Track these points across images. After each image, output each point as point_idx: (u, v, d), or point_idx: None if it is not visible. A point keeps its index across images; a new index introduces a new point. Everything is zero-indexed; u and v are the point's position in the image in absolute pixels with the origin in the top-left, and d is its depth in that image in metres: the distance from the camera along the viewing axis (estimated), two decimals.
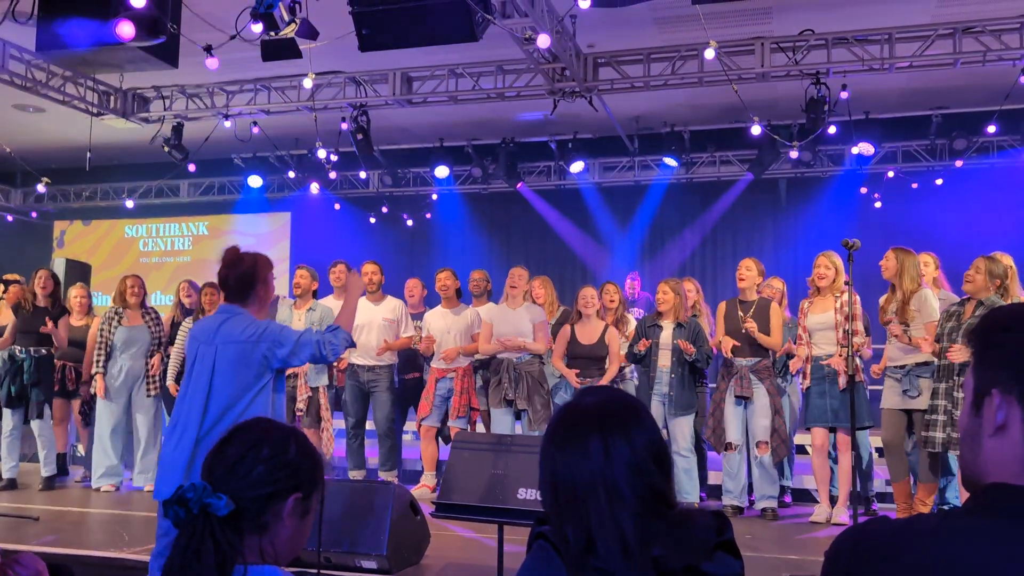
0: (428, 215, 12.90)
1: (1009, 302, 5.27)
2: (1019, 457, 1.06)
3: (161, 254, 13.93)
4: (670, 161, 10.64)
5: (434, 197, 12.65)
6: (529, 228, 12.45)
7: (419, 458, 7.09)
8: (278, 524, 1.56)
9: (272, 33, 6.15)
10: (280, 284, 9.46)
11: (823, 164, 11.03)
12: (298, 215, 13.28)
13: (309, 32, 6.36)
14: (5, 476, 6.74)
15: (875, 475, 6.45)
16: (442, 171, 11.29)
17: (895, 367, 5.56)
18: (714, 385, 6.42)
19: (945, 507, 5.70)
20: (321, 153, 10.37)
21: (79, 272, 10.35)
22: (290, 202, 13.09)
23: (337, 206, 12.88)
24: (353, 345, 3.63)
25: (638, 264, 11.49)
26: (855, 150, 10.01)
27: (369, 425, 7.02)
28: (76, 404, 7.31)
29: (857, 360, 5.61)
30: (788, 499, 6.54)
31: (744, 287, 6.13)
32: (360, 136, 9.56)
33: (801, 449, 7.15)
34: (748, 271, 6.15)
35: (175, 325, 7.03)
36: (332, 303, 7.07)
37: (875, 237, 8.49)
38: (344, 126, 9.63)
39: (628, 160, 11.58)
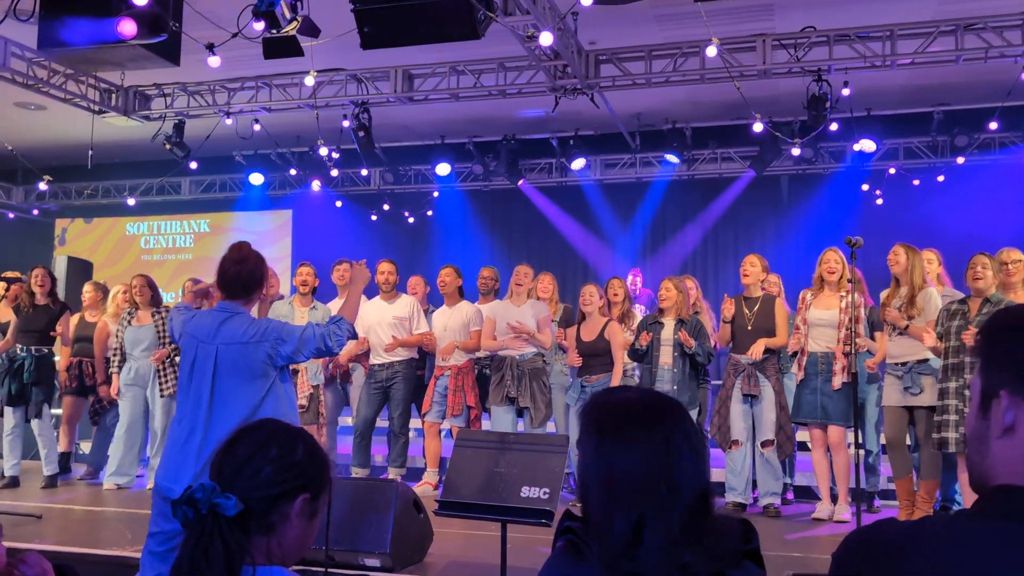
0: (429, 212, 12.90)
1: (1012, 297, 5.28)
2: None
3: (163, 251, 13.93)
4: (671, 158, 10.64)
5: (435, 194, 12.65)
6: (530, 225, 12.45)
7: (421, 455, 7.09)
8: (285, 525, 1.56)
9: (274, 31, 6.15)
10: (282, 282, 9.45)
11: (825, 161, 11.02)
12: (299, 213, 13.28)
13: (310, 30, 6.35)
14: (7, 474, 6.75)
15: (881, 472, 6.43)
16: (443, 168, 11.29)
17: (896, 364, 5.54)
18: (718, 382, 6.42)
19: (949, 504, 5.70)
20: (323, 151, 10.37)
21: (80, 270, 10.36)
22: (291, 200, 13.09)
23: (339, 203, 12.88)
24: (355, 336, 3.63)
25: (639, 261, 11.49)
26: (857, 147, 10.01)
27: (379, 423, 7.00)
28: (83, 404, 7.32)
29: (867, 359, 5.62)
30: (790, 496, 6.54)
31: (748, 283, 6.13)
32: (361, 133, 9.56)
33: (803, 446, 7.15)
34: (752, 267, 6.15)
35: None
36: (337, 305, 7.07)
37: (877, 234, 8.48)
38: (345, 123, 9.62)
39: (629, 157, 11.58)
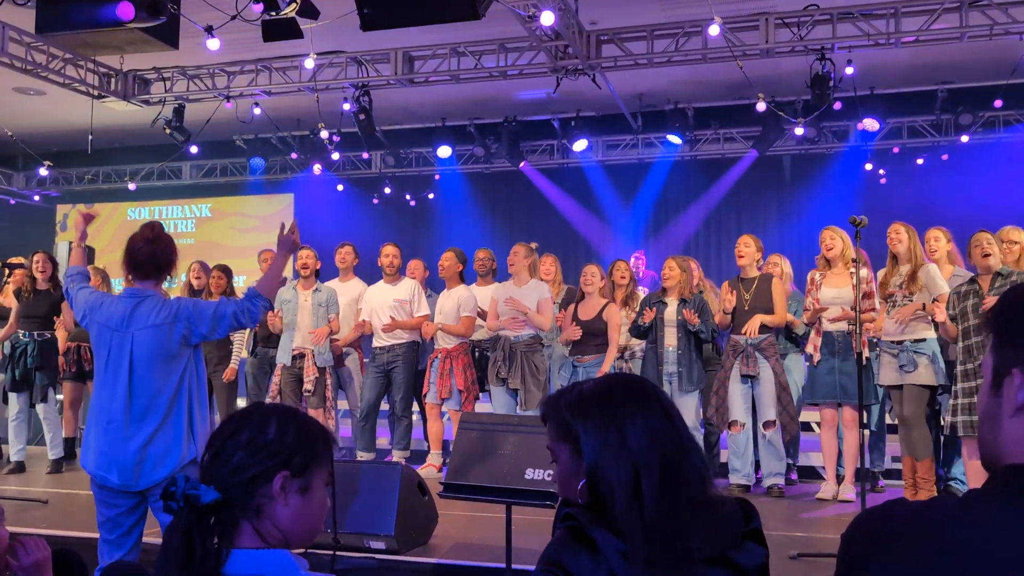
0: (431, 195, 12.87)
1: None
2: None
3: None
4: (674, 139, 10.60)
5: (437, 177, 12.61)
6: (532, 207, 12.41)
7: (423, 438, 7.10)
8: (272, 505, 1.54)
9: (273, 13, 6.10)
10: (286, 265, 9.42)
11: (828, 140, 10.97)
12: (301, 196, 13.25)
13: (310, 11, 6.30)
14: (13, 459, 6.77)
15: (885, 452, 6.43)
16: (444, 151, 11.25)
17: (892, 342, 5.52)
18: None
19: (951, 483, 5.70)
20: (323, 134, 10.33)
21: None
22: (293, 184, 13.06)
23: (340, 187, 12.85)
24: (272, 308, 3.58)
25: (642, 242, 11.47)
26: (860, 126, 9.96)
27: (381, 405, 7.02)
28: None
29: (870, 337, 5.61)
30: (794, 476, 6.55)
31: (744, 264, 6.10)
32: (362, 116, 9.52)
33: (806, 426, 7.15)
34: (747, 247, 6.12)
35: None
36: (337, 285, 7.07)
37: (880, 213, 8.41)
38: (346, 106, 9.58)
39: (631, 138, 11.53)
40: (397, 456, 6.75)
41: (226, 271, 7.32)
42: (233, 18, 6.35)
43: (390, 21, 6.68)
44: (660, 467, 1.42)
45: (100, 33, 7.38)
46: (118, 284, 12.36)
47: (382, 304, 6.79)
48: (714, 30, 7.68)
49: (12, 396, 6.78)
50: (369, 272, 7.36)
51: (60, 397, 7.41)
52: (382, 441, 7.18)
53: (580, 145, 10.84)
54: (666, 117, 10.56)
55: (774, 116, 9.54)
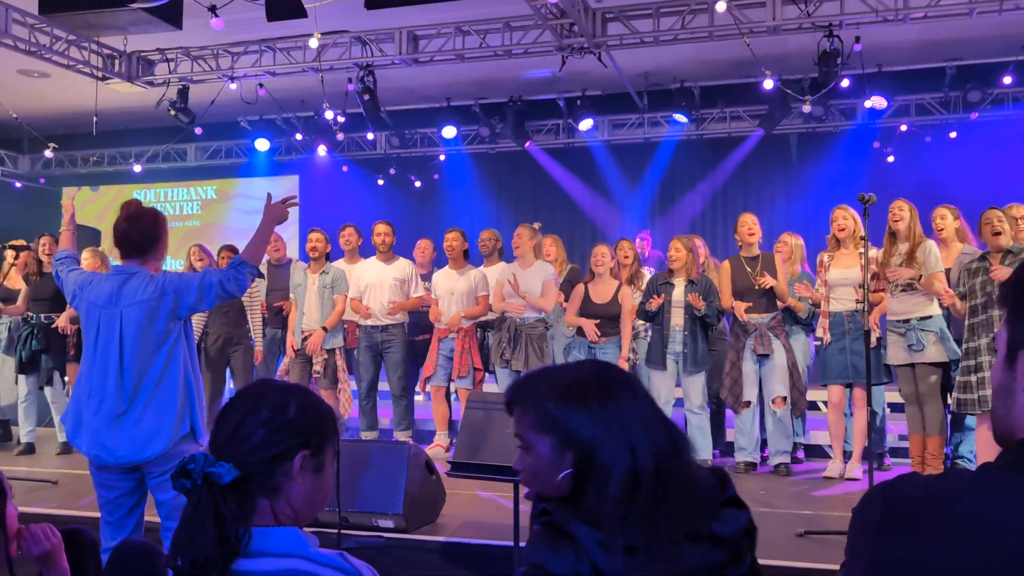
0: (436, 176, 12.84)
1: None
2: None
3: (170, 219, 13.72)
4: (680, 117, 10.53)
5: (442, 158, 12.58)
6: (538, 187, 12.37)
7: (431, 418, 7.12)
8: (290, 484, 1.55)
9: None
10: (290, 247, 9.42)
11: (835, 118, 10.90)
12: (306, 178, 13.22)
13: None
14: (23, 440, 6.81)
15: (888, 430, 6.44)
16: (449, 131, 11.21)
17: (898, 321, 5.51)
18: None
19: (960, 461, 5.70)
20: (328, 115, 10.30)
21: (88, 238, 10.36)
22: (298, 165, 13.03)
23: (345, 168, 12.83)
24: (261, 275, 3.57)
25: (648, 222, 11.43)
26: (868, 104, 9.88)
27: (382, 386, 7.04)
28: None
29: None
30: (801, 455, 6.56)
31: (754, 242, 6.11)
32: (367, 97, 9.48)
33: (813, 405, 7.16)
34: (756, 225, 6.14)
35: None
36: (344, 266, 7.07)
37: (888, 192, 8.38)
38: (350, 87, 9.54)
39: (637, 117, 11.47)
40: (399, 436, 6.78)
41: (234, 251, 7.32)
42: None
43: None
44: (654, 454, 1.41)
45: (103, 13, 7.37)
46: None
47: (380, 283, 6.80)
48: (721, 7, 7.61)
49: (22, 378, 6.82)
50: (373, 252, 7.34)
51: (67, 379, 7.44)
52: (385, 421, 7.20)
53: (586, 124, 10.79)
54: (672, 96, 10.50)
55: (781, 94, 9.47)
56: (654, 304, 6.11)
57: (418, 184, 12.80)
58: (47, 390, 6.88)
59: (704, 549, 1.40)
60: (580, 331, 6.34)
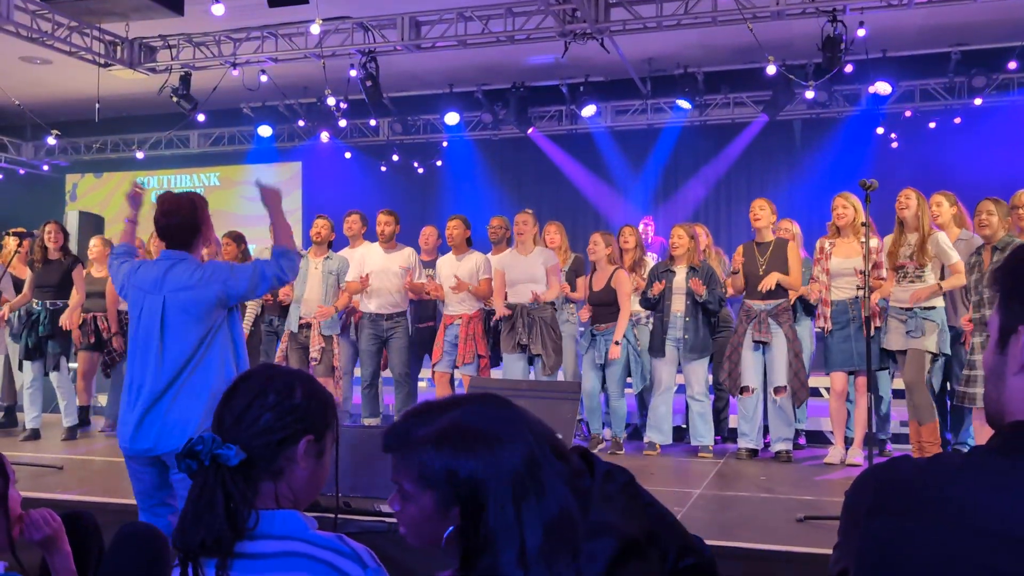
0: (439, 162, 12.82)
1: None
2: None
3: None
4: (683, 103, 10.51)
5: (444, 144, 12.56)
6: (541, 174, 12.36)
7: None
8: (293, 468, 1.58)
9: None
10: (294, 233, 9.43)
11: (839, 104, 10.86)
12: (309, 164, 13.23)
13: None
14: (28, 426, 6.84)
15: (892, 417, 6.45)
16: (452, 118, 11.19)
17: (901, 308, 5.50)
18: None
19: (960, 447, 5.71)
20: (330, 101, 10.28)
21: (92, 225, 10.39)
22: (301, 151, 13.03)
23: (348, 155, 12.82)
24: (301, 256, 3.55)
25: (651, 208, 11.42)
26: (872, 89, 9.85)
27: (385, 373, 7.06)
28: (99, 356, 7.38)
29: (879, 303, 5.59)
30: (802, 441, 6.57)
31: (760, 227, 6.07)
32: (369, 83, 9.46)
33: (815, 392, 7.17)
34: (762, 211, 6.09)
35: None
36: (348, 253, 7.07)
37: (892, 178, 8.38)
38: (352, 73, 9.52)
39: (640, 103, 11.44)
40: None
41: (236, 237, 7.32)
42: None
43: None
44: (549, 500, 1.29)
45: (105, 0, 7.35)
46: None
47: (385, 270, 6.81)
48: None
49: (27, 364, 6.85)
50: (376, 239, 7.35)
51: (73, 366, 7.47)
52: (391, 407, 7.23)
53: (589, 111, 10.77)
54: (675, 82, 10.47)
55: (784, 80, 9.44)
56: (656, 290, 6.11)
57: (421, 170, 12.79)
58: (52, 376, 6.91)
59: None
60: (590, 320, 6.41)
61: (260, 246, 8.73)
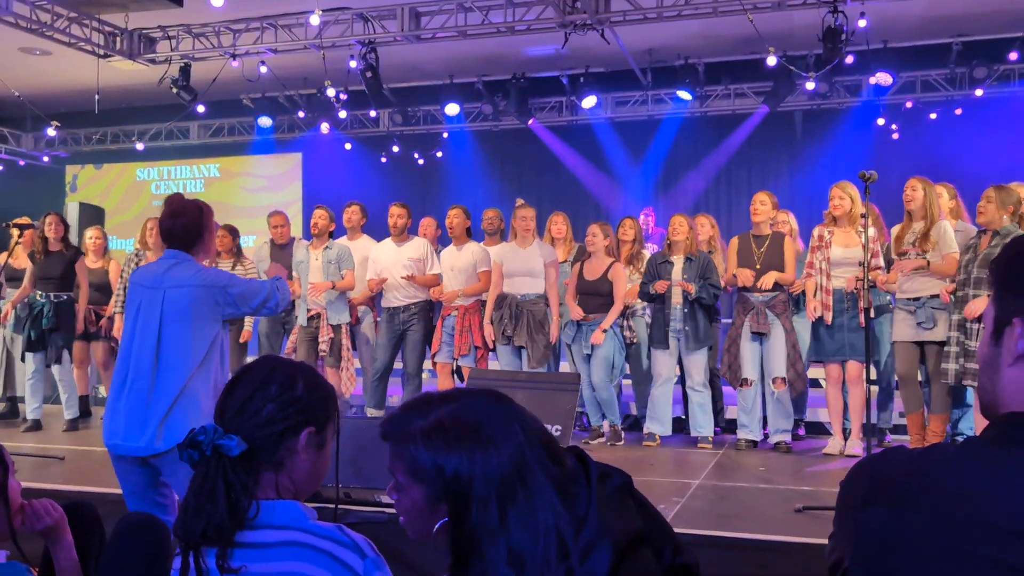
0: (439, 153, 12.81)
1: None
2: None
3: None
4: (684, 94, 10.49)
5: (445, 135, 12.55)
6: (541, 165, 12.34)
7: None
8: (294, 459, 1.59)
9: None
10: (294, 225, 9.43)
11: (840, 95, 10.84)
12: (309, 155, 13.21)
13: None
14: (29, 417, 6.86)
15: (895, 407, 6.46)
16: (452, 109, 11.18)
17: (907, 299, 5.51)
18: (729, 320, 6.42)
19: (959, 438, 5.73)
20: (330, 92, 10.26)
21: (93, 216, 10.38)
22: (301, 143, 13.02)
23: (348, 146, 12.80)
24: (290, 276, 3.58)
25: (652, 200, 11.41)
26: (873, 80, 9.83)
27: (396, 364, 7.07)
28: (96, 347, 7.40)
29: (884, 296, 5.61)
30: (801, 432, 6.59)
31: (759, 221, 6.08)
32: (369, 74, 9.45)
33: (814, 383, 7.18)
34: (763, 205, 6.10)
35: None
36: (347, 243, 7.08)
37: (893, 169, 8.38)
38: (352, 64, 9.50)
39: (641, 94, 11.41)
40: None
41: (232, 231, 7.32)
42: None
43: None
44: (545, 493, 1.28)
45: None
46: (127, 244, 12.39)
47: (395, 263, 6.81)
48: None
49: (29, 356, 6.87)
50: (379, 231, 7.36)
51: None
52: (394, 400, 7.24)
53: (589, 102, 10.75)
54: (676, 73, 10.45)
55: (785, 71, 9.42)
56: (661, 288, 6.10)
57: (421, 162, 12.78)
58: (55, 369, 6.93)
59: None
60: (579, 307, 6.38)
61: (259, 239, 8.75)
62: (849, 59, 9.04)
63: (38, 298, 6.85)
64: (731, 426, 6.54)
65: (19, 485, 2.20)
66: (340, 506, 3.84)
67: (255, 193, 13.34)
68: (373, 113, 12.00)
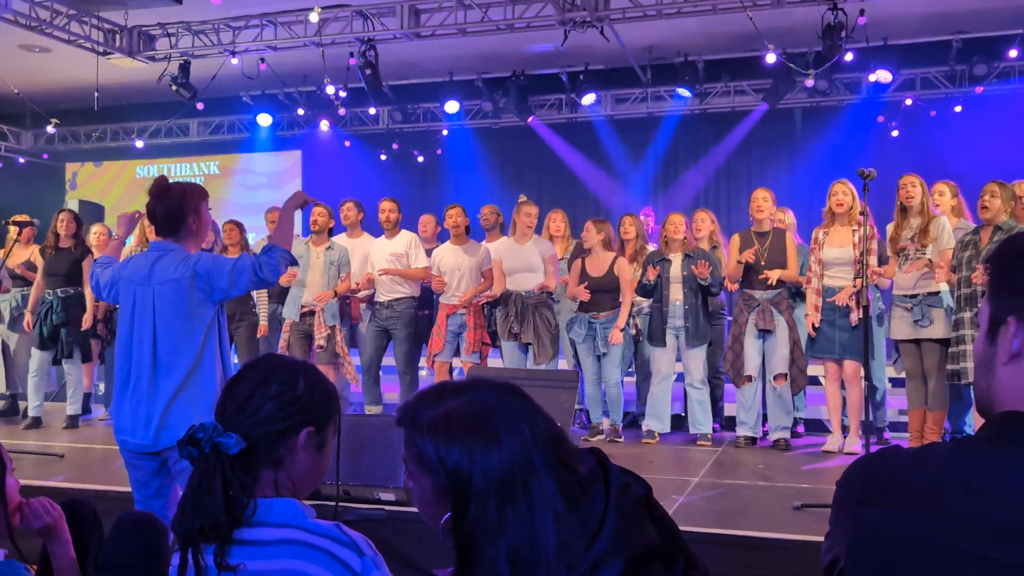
0: (439, 151, 12.80)
1: None
2: None
3: None
4: (683, 92, 10.48)
5: (444, 133, 12.54)
6: (541, 162, 12.34)
7: None
8: (292, 458, 1.59)
9: None
10: (295, 223, 9.44)
11: (839, 93, 10.83)
12: (309, 153, 13.21)
13: None
14: (30, 414, 6.87)
15: (888, 404, 6.47)
16: (452, 106, 11.18)
17: (904, 296, 5.51)
18: (731, 318, 6.42)
19: (958, 435, 5.73)
20: (330, 89, 10.26)
21: (92, 213, 10.39)
22: (300, 140, 13.01)
23: (347, 143, 12.80)
24: (295, 263, 3.49)
25: (651, 197, 11.41)
26: (872, 78, 9.83)
27: (387, 361, 7.07)
28: (96, 344, 7.40)
29: (876, 293, 5.60)
30: (801, 429, 6.59)
31: (762, 218, 6.09)
32: (368, 71, 9.44)
33: (814, 380, 7.19)
34: (765, 202, 6.11)
35: None
36: (346, 242, 7.08)
37: (892, 166, 8.36)
38: (352, 61, 9.50)
39: (641, 91, 11.41)
40: None
41: (239, 225, 7.32)
42: None
43: None
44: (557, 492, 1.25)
45: None
46: (126, 241, 12.36)
47: (379, 259, 6.82)
48: None
49: (35, 352, 6.88)
50: (379, 228, 7.36)
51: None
52: (392, 396, 7.24)
53: (589, 99, 10.75)
54: (676, 70, 10.45)
55: (785, 68, 9.41)
56: (650, 276, 6.10)
57: (421, 159, 12.77)
58: (65, 364, 6.94)
59: None
60: (582, 306, 6.35)
61: (259, 237, 8.74)
62: (849, 56, 9.03)
63: (47, 296, 6.88)
64: (730, 423, 6.54)
65: (17, 483, 2.20)
66: (336, 503, 3.84)
67: (255, 190, 13.33)
68: (373, 110, 11.99)
